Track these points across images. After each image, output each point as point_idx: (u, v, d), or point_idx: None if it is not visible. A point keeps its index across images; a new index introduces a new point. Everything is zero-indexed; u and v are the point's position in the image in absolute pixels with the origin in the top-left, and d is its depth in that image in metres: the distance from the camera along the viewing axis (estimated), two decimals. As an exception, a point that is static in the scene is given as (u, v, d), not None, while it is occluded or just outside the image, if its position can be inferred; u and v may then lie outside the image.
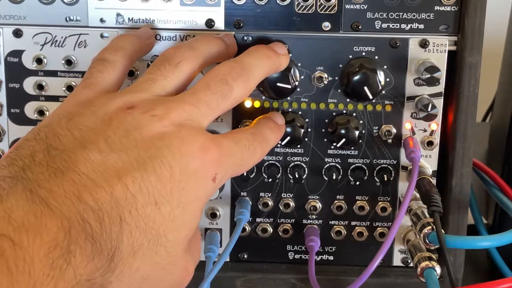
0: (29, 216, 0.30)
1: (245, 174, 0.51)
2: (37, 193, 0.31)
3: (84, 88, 0.40)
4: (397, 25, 0.49)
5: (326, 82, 0.50)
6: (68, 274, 0.30)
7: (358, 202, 0.52)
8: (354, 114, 0.51)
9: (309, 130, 0.51)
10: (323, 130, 0.51)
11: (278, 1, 0.49)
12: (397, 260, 0.53)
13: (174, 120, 0.37)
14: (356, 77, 0.48)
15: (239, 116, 0.50)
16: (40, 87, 0.51)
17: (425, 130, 0.50)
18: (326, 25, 0.49)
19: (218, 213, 0.52)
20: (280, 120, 0.48)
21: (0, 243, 0.28)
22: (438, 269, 0.45)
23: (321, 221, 0.53)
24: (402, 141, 0.51)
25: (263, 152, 0.43)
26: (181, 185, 0.36)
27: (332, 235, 0.53)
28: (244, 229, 0.53)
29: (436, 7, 0.49)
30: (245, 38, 0.49)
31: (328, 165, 0.51)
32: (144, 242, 0.34)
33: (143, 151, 0.35)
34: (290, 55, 0.49)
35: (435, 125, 0.50)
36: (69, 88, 0.50)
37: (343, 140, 0.50)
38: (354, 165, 0.51)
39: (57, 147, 0.34)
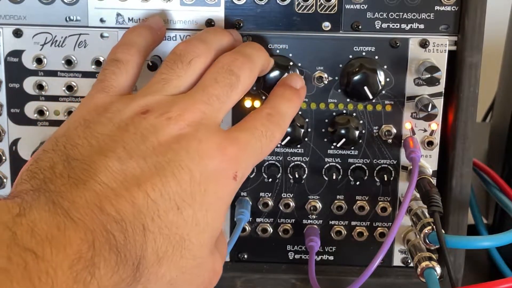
0: (52, 228, 0.29)
1: (245, 174, 0.51)
2: (60, 205, 0.31)
3: (98, 92, 0.40)
4: (397, 25, 0.49)
5: (326, 82, 0.50)
6: (92, 286, 0.29)
7: (358, 202, 0.52)
8: (354, 114, 0.51)
9: (309, 130, 0.51)
10: (323, 130, 0.51)
11: (278, 1, 0.49)
12: (397, 260, 0.53)
13: (190, 120, 0.37)
14: (356, 77, 0.48)
15: (239, 116, 0.50)
16: (40, 87, 0.51)
17: (425, 130, 0.50)
18: (326, 25, 0.49)
19: (218, 213, 0.52)
20: (299, 83, 0.46)
21: (23, 256, 0.28)
22: (438, 269, 0.45)
23: (321, 221, 0.53)
24: (402, 141, 0.51)
25: (283, 131, 0.42)
26: (202, 188, 0.35)
27: (332, 235, 0.53)
28: (244, 229, 0.53)
29: (436, 7, 0.49)
30: (245, 38, 0.49)
31: (328, 165, 0.51)
32: (168, 248, 0.34)
33: (161, 156, 0.35)
34: (290, 55, 0.49)
35: (435, 125, 0.50)
36: (69, 88, 0.50)
37: (343, 140, 0.50)
38: (354, 165, 0.51)
39: (76, 157, 0.34)
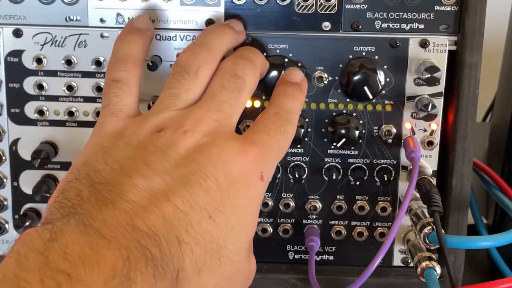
0: (84, 248, 0.29)
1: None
2: (91, 225, 0.31)
3: (108, 117, 0.40)
4: (397, 25, 0.49)
5: (326, 82, 0.50)
6: None
7: (358, 202, 0.52)
8: (354, 114, 0.51)
9: (309, 130, 0.51)
10: (323, 130, 0.51)
11: (278, 1, 0.49)
12: (397, 260, 0.53)
13: (205, 130, 0.37)
14: (356, 77, 0.48)
15: (241, 117, 0.50)
16: (40, 87, 0.51)
17: (425, 130, 0.50)
18: (326, 25, 0.49)
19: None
20: (299, 76, 0.46)
21: (56, 278, 0.28)
22: (438, 269, 0.45)
23: (321, 221, 0.53)
24: (402, 141, 0.51)
25: (294, 126, 0.42)
26: (231, 193, 0.35)
27: (332, 235, 0.53)
28: (244, 229, 0.53)
29: (436, 7, 0.49)
30: (245, 38, 0.49)
31: (328, 165, 0.51)
32: (206, 257, 0.34)
33: (184, 168, 0.35)
34: (290, 55, 0.49)
35: (435, 125, 0.50)
36: (69, 88, 0.50)
37: (343, 140, 0.50)
38: (354, 165, 0.51)
39: (100, 181, 0.34)
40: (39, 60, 0.50)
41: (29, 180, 0.52)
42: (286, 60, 0.49)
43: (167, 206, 0.33)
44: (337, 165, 0.51)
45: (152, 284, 0.30)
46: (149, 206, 0.33)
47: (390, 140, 0.51)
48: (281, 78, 0.46)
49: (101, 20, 0.50)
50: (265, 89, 0.49)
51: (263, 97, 0.50)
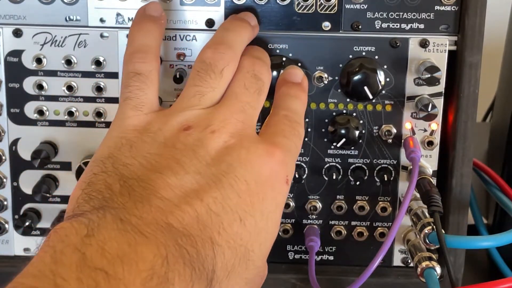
0: (123, 246, 0.29)
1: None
2: (129, 221, 0.30)
3: (131, 110, 0.40)
4: (397, 25, 0.49)
5: (326, 82, 0.50)
6: None
7: (358, 202, 0.52)
8: (354, 114, 0.50)
9: (309, 130, 0.51)
10: (323, 130, 0.51)
11: (278, 1, 0.49)
12: (397, 260, 0.53)
13: (232, 131, 0.38)
14: (356, 77, 0.48)
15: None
16: (40, 87, 0.51)
17: (425, 130, 0.50)
18: (326, 25, 0.49)
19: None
20: (299, 75, 0.46)
21: (94, 276, 0.27)
22: (438, 269, 0.45)
23: (321, 221, 0.53)
24: (402, 141, 0.51)
25: (303, 126, 0.43)
26: (260, 196, 0.35)
27: (332, 235, 0.53)
28: (244, 229, 0.53)
29: (436, 7, 0.49)
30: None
31: (328, 165, 0.51)
32: (235, 261, 0.34)
33: (215, 169, 0.35)
34: (290, 55, 0.49)
35: (435, 125, 0.50)
36: (69, 88, 0.50)
37: (343, 140, 0.50)
38: (354, 165, 0.51)
39: (131, 176, 0.34)
40: (39, 60, 0.50)
41: (29, 180, 0.52)
42: (284, 59, 0.49)
43: (200, 206, 0.33)
44: (337, 165, 0.51)
45: (189, 286, 0.30)
46: (182, 205, 0.32)
47: (390, 140, 0.51)
48: (282, 77, 0.46)
49: (101, 20, 0.50)
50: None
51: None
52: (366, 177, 0.51)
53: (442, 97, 0.50)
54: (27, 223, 0.51)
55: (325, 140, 0.51)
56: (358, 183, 0.52)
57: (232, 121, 0.38)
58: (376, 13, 0.49)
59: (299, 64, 0.50)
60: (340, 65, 0.50)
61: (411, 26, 0.49)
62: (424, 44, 0.49)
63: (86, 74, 0.50)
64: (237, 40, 0.44)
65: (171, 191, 0.33)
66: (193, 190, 0.33)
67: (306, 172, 0.52)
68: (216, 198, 0.34)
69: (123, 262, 0.28)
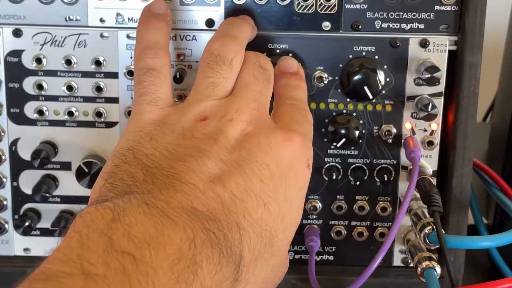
0: (150, 229, 0.29)
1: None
2: (155, 205, 0.30)
3: (148, 106, 0.40)
4: (397, 25, 0.49)
5: (326, 82, 0.50)
6: (195, 286, 0.28)
7: (358, 202, 0.52)
8: (354, 114, 0.50)
9: (309, 130, 0.51)
10: (323, 130, 0.51)
11: (278, 1, 0.49)
12: (397, 260, 0.53)
13: (248, 119, 0.38)
14: (356, 77, 0.48)
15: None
16: (40, 87, 0.51)
17: (425, 130, 0.50)
18: (326, 24, 0.49)
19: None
20: (294, 65, 0.46)
21: (121, 260, 0.27)
22: (438, 269, 0.45)
23: (321, 221, 0.53)
24: (402, 141, 0.51)
25: (309, 110, 0.43)
26: (283, 181, 0.36)
27: (332, 235, 0.53)
28: (244, 229, 0.52)
29: (436, 7, 0.49)
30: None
31: (328, 165, 0.51)
32: (261, 246, 0.34)
33: (236, 155, 0.35)
34: (290, 55, 0.49)
35: (435, 125, 0.50)
36: (69, 88, 0.50)
37: (343, 140, 0.50)
38: (354, 165, 0.51)
39: (153, 165, 0.34)
40: (38, 60, 0.50)
41: (29, 180, 0.52)
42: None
43: (223, 192, 0.33)
44: (337, 165, 0.51)
45: (217, 269, 0.30)
46: (207, 190, 0.33)
47: (390, 140, 0.51)
48: (279, 70, 0.46)
49: (101, 20, 0.50)
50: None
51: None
52: (366, 177, 0.51)
53: (442, 97, 0.50)
54: (27, 223, 0.51)
55: (325, 140, 0.51)
56: (358, 183, 0.52)
57: (247, 109, 0.39)
58: (376, 13, 0.49)
59: (299, 64, 0.49)
60: (340, 65, 0.50)
61: (411, 26, 0.49)
62: (424, 44, 0.49)
63: (86, 74, 0.50)
64: (241, 34, 0.45)
65: (196, 176, 0.33)
66: (216, 177, 0.34)
67: (306, 172, 0.51)
68: (239, 183, 0.34)
69: (150, 246, 0.28)
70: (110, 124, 0.51)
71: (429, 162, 0.51)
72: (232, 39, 0.43)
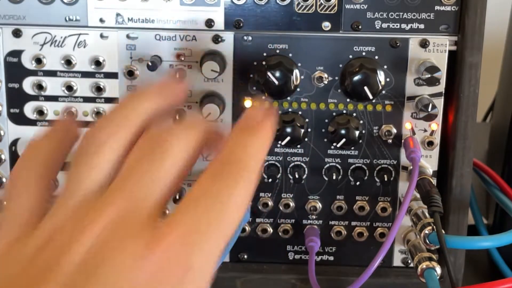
0: None
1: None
2: None
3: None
4: (397, 25, 0.49)
5: (326, 82, 0.50)
6: None
7: (358, 202, 0.52)
8: (354, 114, 0.50)
9: (309, 130, 0.51)
10: (323, 130, 0.51)
11: (278, 1, 0.49)
12: (397, 261, 0.53)
13: (106, 222, 0.29)
14: (356, 77, 0.48)
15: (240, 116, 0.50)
16: (40, 87, 0.50)
17: (425, 130, 0.50)
18: (326, 25, 0.49)
19: (218, 213, 0.52)
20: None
21: None
22: (438, 270, 0.45)
23: (321, 221, 0.53)
24: (402, 141, 0.50)
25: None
26: None
27: (332, 235, 0.53)
28: (244, 229, 0.53)
29: (436, 7, 0.49)
30: (245, 38, 0.49)
31: (328, 165, 0.51)
32: None
33: (81, 279, 0.27)
34: (290, 55, 0.49)
35: (435, 125, 0.50)
36: (69, 88, 0.50)
37: (343, 140, 0.50)
38: (354, 165, 0.51)
39: None
40: (38, 60, 0.50)
41: (28, 180, 0.51)
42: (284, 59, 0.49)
43: None
44: (337, 165, 0.51)
45: None
46: None
47: (390, 140, 0.51)
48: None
49: (101, 20, 0.50)
50: (265, 86, 0.48)
51: (263, 97, 0.50)
52: (366, 177, 0.51)
53: (442, 97, 0.50)
54: (26, 224, 0.51)
55: (325, 140, 0.51)
56: (358, 183, 0.52)
57: (110, 209, 0.29)
58: (376, 13, 0.49)
59: (299, 64, 0.49)
60: (340, 65, 0.50)
61: (411, 26, 0.49)
62: (424, 44, 0.49)
63: (85, 74, 0.50)
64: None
65: None
66: None
67: (306, 172, 0.52)
68: None
69: None
70: (110, 124, 0.51)
71: (429, 162, 0.51)
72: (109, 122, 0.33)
